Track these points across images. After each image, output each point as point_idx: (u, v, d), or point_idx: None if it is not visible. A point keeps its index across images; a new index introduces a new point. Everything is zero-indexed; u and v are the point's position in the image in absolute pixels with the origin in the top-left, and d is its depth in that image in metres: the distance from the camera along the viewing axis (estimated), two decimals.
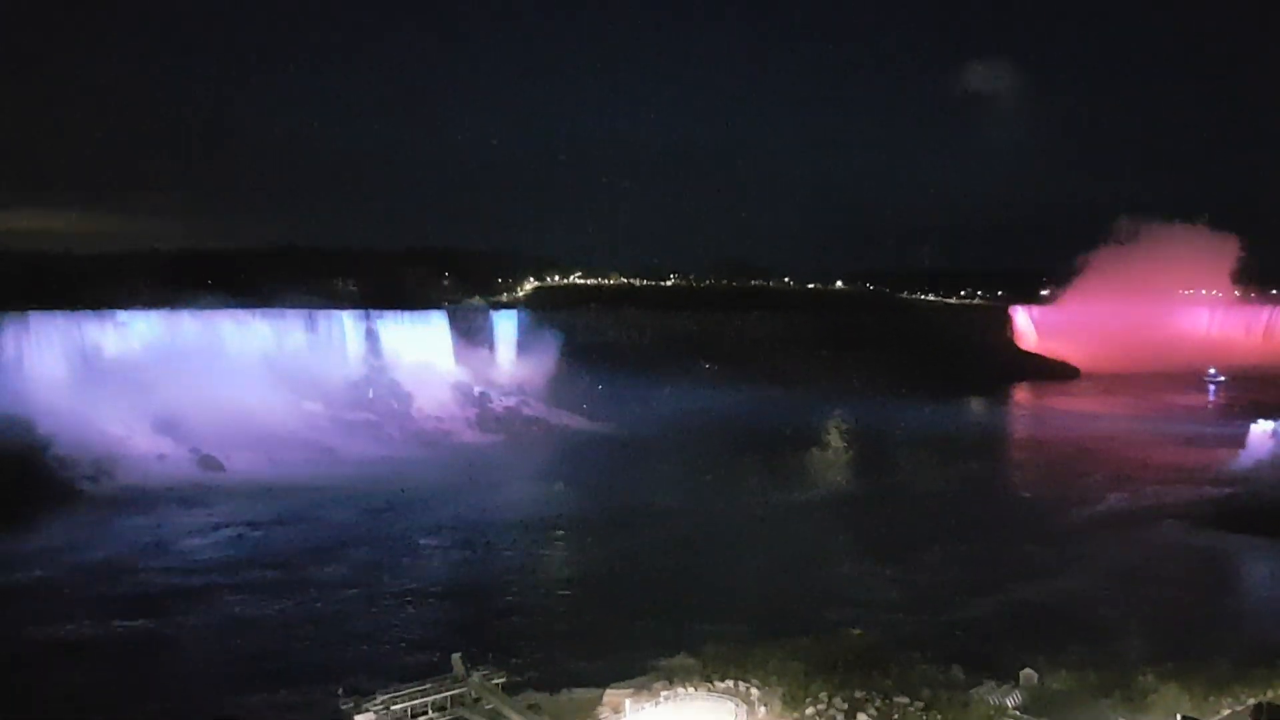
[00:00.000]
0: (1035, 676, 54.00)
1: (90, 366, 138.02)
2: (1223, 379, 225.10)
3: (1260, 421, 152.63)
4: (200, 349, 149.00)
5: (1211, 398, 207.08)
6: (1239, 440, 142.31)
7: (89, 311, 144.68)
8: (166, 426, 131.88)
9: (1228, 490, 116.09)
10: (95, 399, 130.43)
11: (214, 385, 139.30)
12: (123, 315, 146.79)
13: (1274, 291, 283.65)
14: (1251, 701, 48.53)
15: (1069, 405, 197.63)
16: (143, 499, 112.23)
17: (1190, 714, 46.23)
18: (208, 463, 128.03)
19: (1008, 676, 54.37)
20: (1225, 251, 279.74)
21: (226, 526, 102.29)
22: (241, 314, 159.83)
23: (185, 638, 71.39)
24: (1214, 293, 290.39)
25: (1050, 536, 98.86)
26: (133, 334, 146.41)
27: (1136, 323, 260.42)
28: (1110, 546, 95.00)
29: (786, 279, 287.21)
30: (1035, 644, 63.48)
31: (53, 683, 63.78)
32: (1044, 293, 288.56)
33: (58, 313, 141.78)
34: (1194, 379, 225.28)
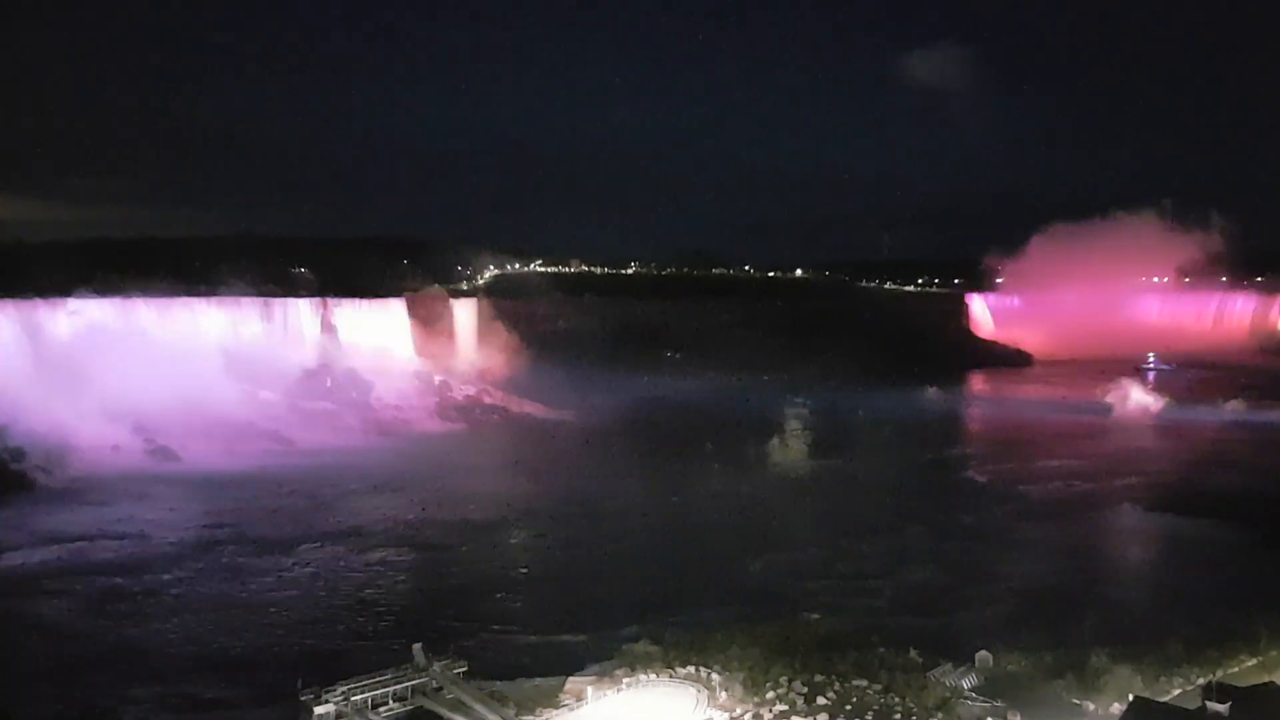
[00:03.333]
0: (990, 658, 54.85)
1: (42, 355, 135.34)
2: (1164, 366, 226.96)
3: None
4: (155, 338, 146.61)
5: (1150, 385, 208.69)
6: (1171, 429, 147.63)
7: (40, 299, 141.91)
8: (120, 416, 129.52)
9: (1160, 476, 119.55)
10: (48, 388, 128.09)
11: (169, 375, 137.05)
12: (75, 303, 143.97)
13: (1223, 279, 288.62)
14: (1201, 681, 49.58)
15: (1021, 393, 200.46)
16: (95, 490, 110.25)
17: (1142, 694, 47.13)
18: (162, 453, 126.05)
19: (964, 659, 55.19)
20: (1178, 240, 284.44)
21: (178, 517, 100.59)
22: (196, 302, 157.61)
23: (136, 629, 70.23)
24: (1164, 280, 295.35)
25: (1002, 519, 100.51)
26: (85, 322, 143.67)
27: (1089, 310, 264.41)
28: (1059, 529, 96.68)
29: (747, 267, 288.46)
30: (991, 626, 64.59)
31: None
32: (999, 280, 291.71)
33: (8, 300, 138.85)
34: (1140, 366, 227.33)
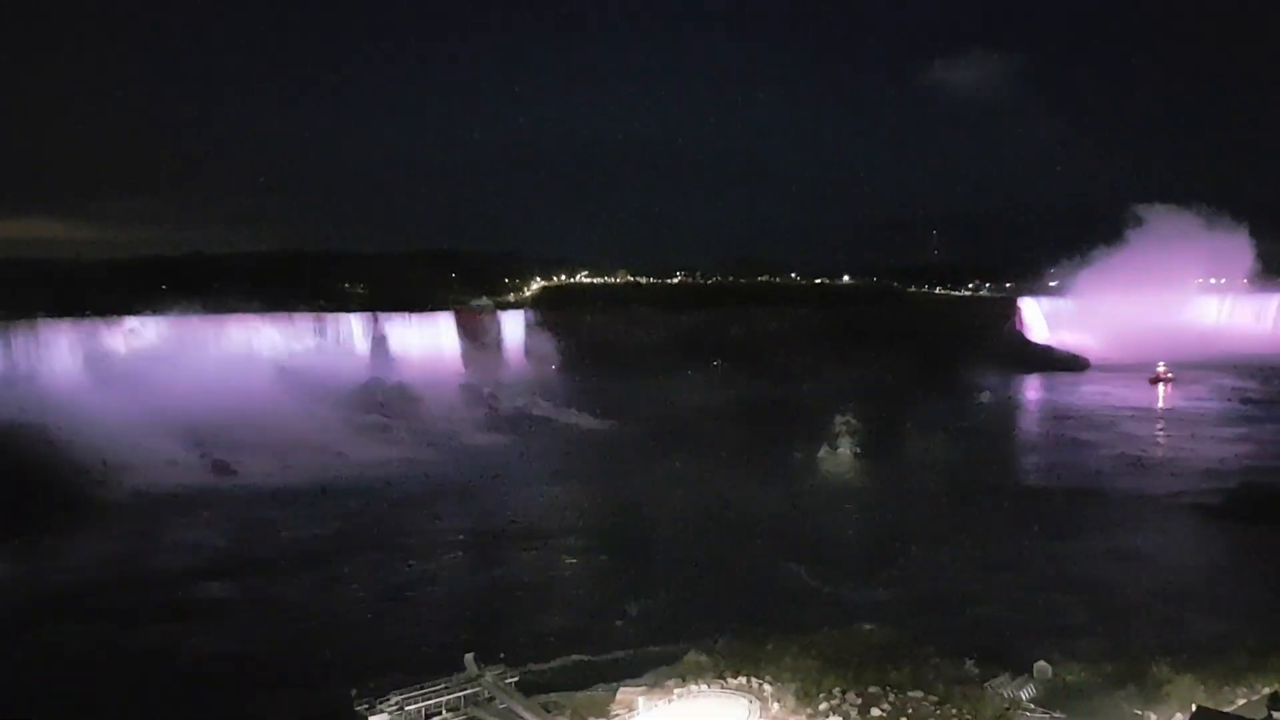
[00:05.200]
0: (1049, 669, 53.77)
1: (101, 372, 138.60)
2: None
3: None
4: (210, 354, 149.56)
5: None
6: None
7: (99, 318, 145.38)
8: (177, 432, 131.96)
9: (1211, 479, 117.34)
10: (106, 405, 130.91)
11: (224, 390, 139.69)
12: (132, 321, 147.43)
13: None
14: (1267, 690, 48.36)
15: (1075, 397, 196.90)
16: (153, 504, 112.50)
17: (1206, 704, 46.05)
18: (218, 467, 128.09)
19: (1022, 669, 54.20)
20: (1235, 240, 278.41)
21: (237, 530, 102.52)
22: (250, 318, 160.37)
23: (195, 644, 71.33)
24: (1222, 281, 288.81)
25: (1059, 528, 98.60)
26: (142, 340, 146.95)
27: (1146, 313, 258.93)
28: (1118, 537, 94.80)
29: (793, 274, 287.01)
30: (1049, 636, 63.40)
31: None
32: (1053, 284, 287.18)
33: (68, 320, 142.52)
34: (1213, 370, 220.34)
